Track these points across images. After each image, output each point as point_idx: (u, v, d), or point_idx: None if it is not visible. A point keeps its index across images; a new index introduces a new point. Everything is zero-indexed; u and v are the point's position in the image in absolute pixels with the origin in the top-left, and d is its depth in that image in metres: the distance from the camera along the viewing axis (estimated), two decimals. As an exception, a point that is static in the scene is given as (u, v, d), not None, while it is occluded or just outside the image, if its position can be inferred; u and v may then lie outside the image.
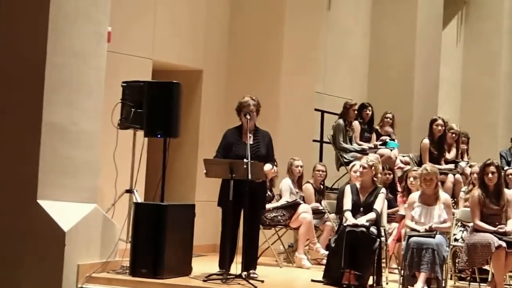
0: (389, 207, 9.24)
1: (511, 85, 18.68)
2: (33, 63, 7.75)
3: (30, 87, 7.76)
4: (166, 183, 8.37)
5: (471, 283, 8.65)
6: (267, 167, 8.33)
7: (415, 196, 8.42)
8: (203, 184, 10.54)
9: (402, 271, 8.14)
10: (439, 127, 11.16)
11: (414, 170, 9.52)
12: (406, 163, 11.82)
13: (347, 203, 8.34)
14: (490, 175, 8.34)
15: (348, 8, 14.43)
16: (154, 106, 8.30)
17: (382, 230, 8.40)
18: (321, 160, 12.76)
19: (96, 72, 8.19)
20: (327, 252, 8.73)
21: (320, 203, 10.45)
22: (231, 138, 8.43)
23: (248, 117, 8.27)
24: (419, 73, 14.59)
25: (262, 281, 8.02)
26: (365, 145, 11.88)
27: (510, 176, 10.36)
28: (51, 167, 7.74)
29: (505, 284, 8.44)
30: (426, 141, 11.18)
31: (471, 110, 18.22)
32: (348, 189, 8.47)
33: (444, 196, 8.41)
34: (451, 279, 8.82)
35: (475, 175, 9.33)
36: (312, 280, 8.39)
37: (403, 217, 8.63)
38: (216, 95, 11.32)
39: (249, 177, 7.82)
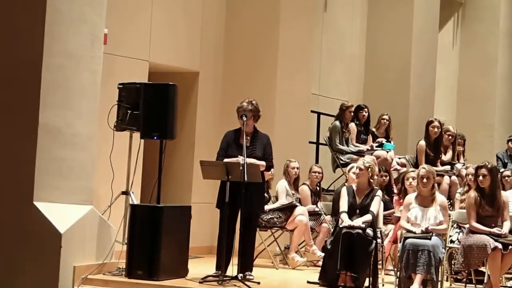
0: (385, 209, 9.23)
1: (507, 87, 18.68)
2: (29, 65, 7.75)
3: (26, 89, 7.77)
4: (162, 184, 8.39)
5: (467, 285, 8.64)
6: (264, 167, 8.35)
7: (411, 197, 8.41)
8: (199, 185, 10.55)
9: (398, 273, 8.14)
10: (436, 129, 11.14)
11: (412, 171, 9.52)
12: (403, 165, 11.82)
13: (343, 205, 8.34)
14: (481, 177, 8.34)
15: (344, 9, 14.42)
16: (151, 108, 8.31)
17: (378, 232, 8.41)
18: (317, 161, 12.76)
19: (91, 74, 8.19)
20: (323, 254, 8.74)
21: (316, 205, 10.45)
22: (229, 139, 8.44)
23: (244, 118, 8.27)
24: (415, 74, 14.58)
25: (258, 283, 8.02)
26: (362, 147, 11.88)
27: (506, 178, 10.35)
28: (47, 169, 7.74)
29: (501, 286, 8.43)
30: (422, 142, 11.16)
31: (467, 111, 18.21)
32: (344, 191, 8.47)
33: (440, 197, 8.40)
34: (447, 280, 8.82)
35: (470, 176, 9.33)
36: (308, 282, 8.38)
37: (399, 218, 8.63)
38: (212, 96, 11.32)
39: (245, 179, 7.83)
